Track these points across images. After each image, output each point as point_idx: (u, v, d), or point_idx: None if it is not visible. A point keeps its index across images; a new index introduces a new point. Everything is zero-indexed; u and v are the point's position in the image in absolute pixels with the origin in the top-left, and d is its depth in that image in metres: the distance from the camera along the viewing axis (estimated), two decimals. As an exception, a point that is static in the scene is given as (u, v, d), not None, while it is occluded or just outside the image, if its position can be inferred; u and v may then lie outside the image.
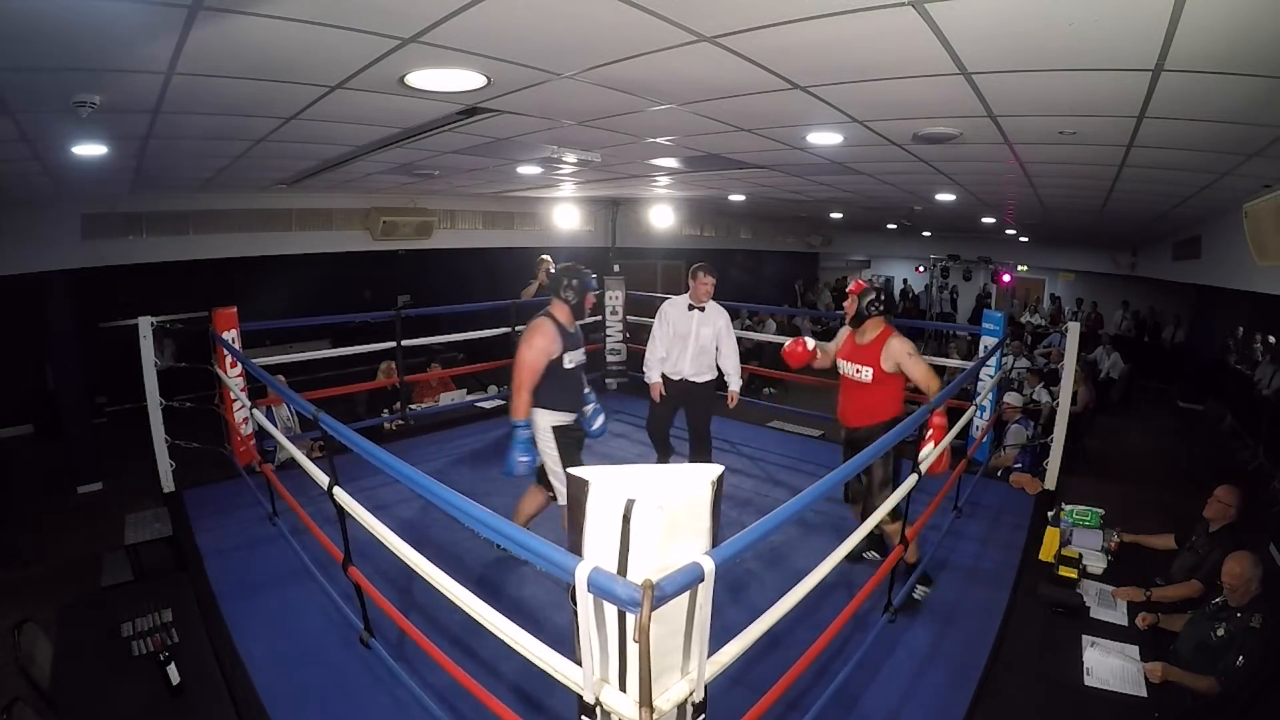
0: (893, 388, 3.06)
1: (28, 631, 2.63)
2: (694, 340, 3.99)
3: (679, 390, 4.08)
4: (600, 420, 3.31)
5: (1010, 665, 2.67)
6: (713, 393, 4.16)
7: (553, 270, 6.08)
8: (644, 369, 4.16)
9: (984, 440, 4.69)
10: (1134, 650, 2.74)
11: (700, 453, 4.27)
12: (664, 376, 4.09)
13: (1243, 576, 2.60)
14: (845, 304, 3.17)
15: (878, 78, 2.44)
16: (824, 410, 5.96)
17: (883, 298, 3.07)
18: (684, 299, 4.04)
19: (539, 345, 2.99)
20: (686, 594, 1.27)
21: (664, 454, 4.37)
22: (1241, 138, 2.90)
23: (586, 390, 3.29)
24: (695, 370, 4.04)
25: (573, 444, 3.16)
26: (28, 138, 3.16)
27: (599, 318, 6.56)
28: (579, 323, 3.23)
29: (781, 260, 14.78)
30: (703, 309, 4.00)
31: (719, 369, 4.17)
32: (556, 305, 3.11)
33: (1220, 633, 2.61)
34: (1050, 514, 3.65)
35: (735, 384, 4.19)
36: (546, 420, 3.10)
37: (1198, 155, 3.37)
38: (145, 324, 4.04)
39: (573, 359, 3.11)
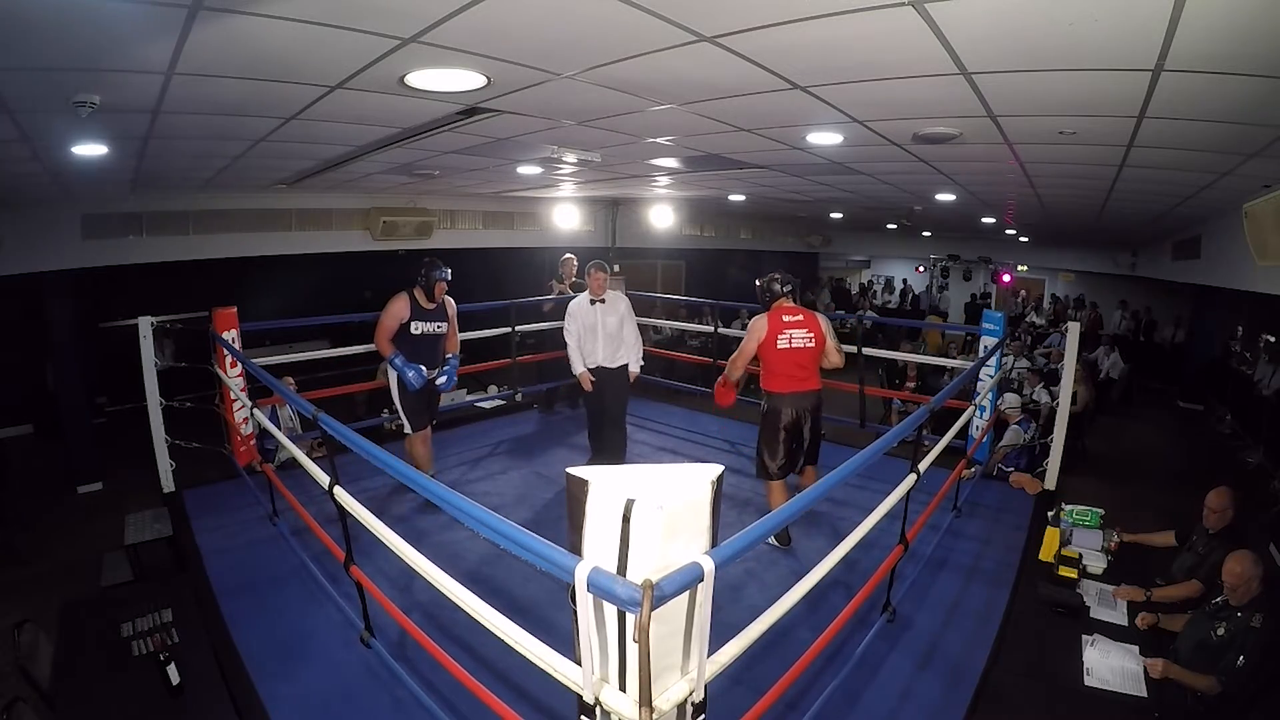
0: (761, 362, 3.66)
1: (28, 631, 2.63)
2: (601, 330, 4.49)
3: (598, 376, 4.54)
4: (444, 379, 4.12)
5: (1010, 665, 2.67)
6: (626, 376, 4.63)
7: (575, 267, 6.22)
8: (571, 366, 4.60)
9: (984, 440, 4.69)
10: (1134, 650, 2.74)
11: (615, 433, 4.64)
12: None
13: (1243, 576, 2.60)
14: None
15: (878, 78, 2.44)
16: (824, 410, 5.97)
17: (770, 286, 3.66)
18: (586, 296, 4.50)
19: (391, 310, 3.90)
20: (686, 594, 1.27)
21: (600, 446, 4.72)
22: (1241, 138, 2.89)
23: (450, 355, 4.17)
24: (607, 356, 4.53)
25: (412, 394, 3.95)
26: (28, 138, 3.16)
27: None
28: (434, 303, 4.01)
29: (781, 260, 14.75)
30: (603, 301, 4.49)
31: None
32: (416, 287, 3.97)
33: (1220, 632, 2.61)
34: (1050, 514, 3.64)
35: (634, 365, 4.64)
36: (393, 374, 3.95)
37: (1198, 155, 3.36)
38: (145, 324, 4.05)
39: (420, 328, 3.97)
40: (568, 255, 6.23)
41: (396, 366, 3.86)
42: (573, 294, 6.07)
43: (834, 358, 3.64)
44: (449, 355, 4.17)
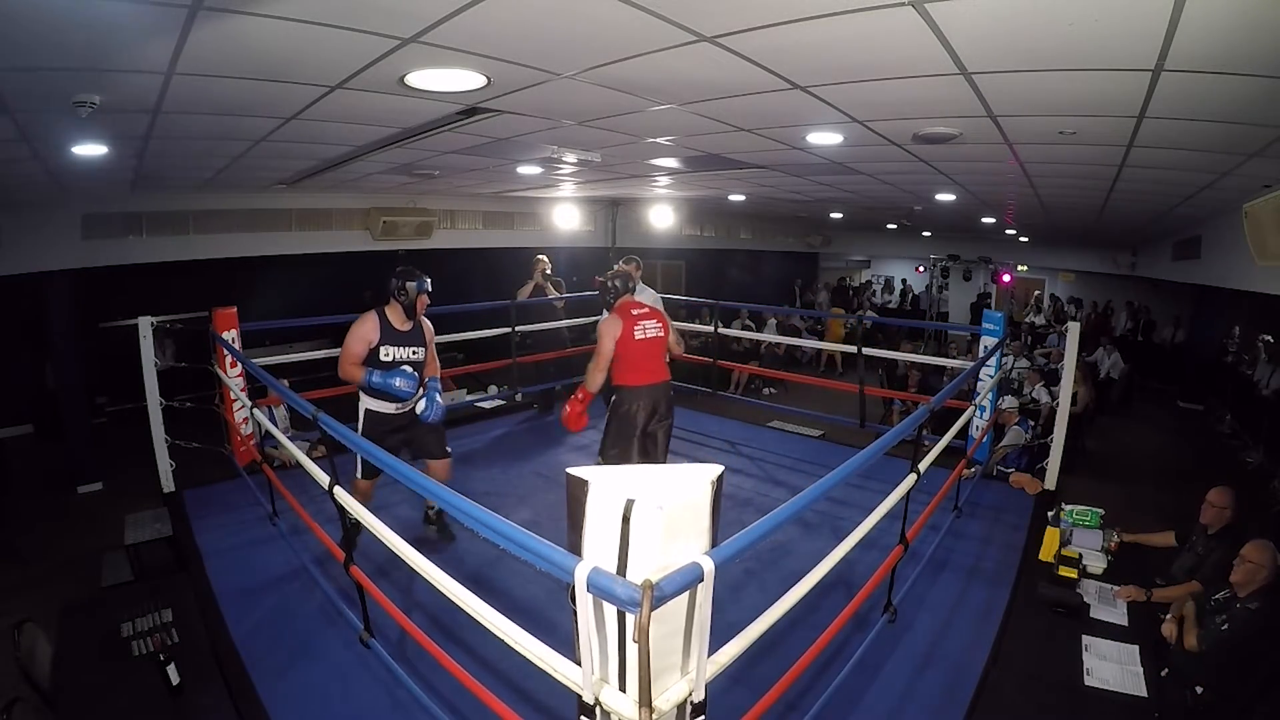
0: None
1: (28, 631, 2.63)
2: None
3: None
4: (424, 407, 3.37)
5: (1010, 665, 2.67)
6: None
7: (548, 271, 6.16)
8: None
9: (984, 440, 4.69)
10: (1134, 650, 2.74)
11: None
12: None
13: (1259, 560, 2.62)
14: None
15: (878, 78, 2.44)
16: (824, 410, 5.97)
17: (613, 283, 3.66)
18: None
19: (358, 333, 3.29)
20: (686, 594, 1.27)
21: None
22: (1241, 138, 2.90)
23: (430, 379, 3.45)
24: None
25: (382, 432, 3.30)
26: (28, 138, 3.16)
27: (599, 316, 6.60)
28: (411, 323, 3.40)
29: (781, 260, 14.78)
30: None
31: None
32: (391, 303, 3.35)
33: (1223, 625, 2.63)
34: (1050, 514, 3.64)
35: None
36: (362, 404, 3.39)
37: (1198, 155, 3.37)
38: (145, 324, 4.04)
39: (392, 354, 3.33)
40: (540, 256, 6.26)
41: (375, 383, 3.20)
42: (556, 294, 6.12)
43: (676, 349, 3.77)
44: (430, 379, 3.46)
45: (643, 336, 3.54)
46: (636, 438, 3.59)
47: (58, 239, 5.56)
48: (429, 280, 3.39)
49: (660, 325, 3.62)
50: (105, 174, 4.45)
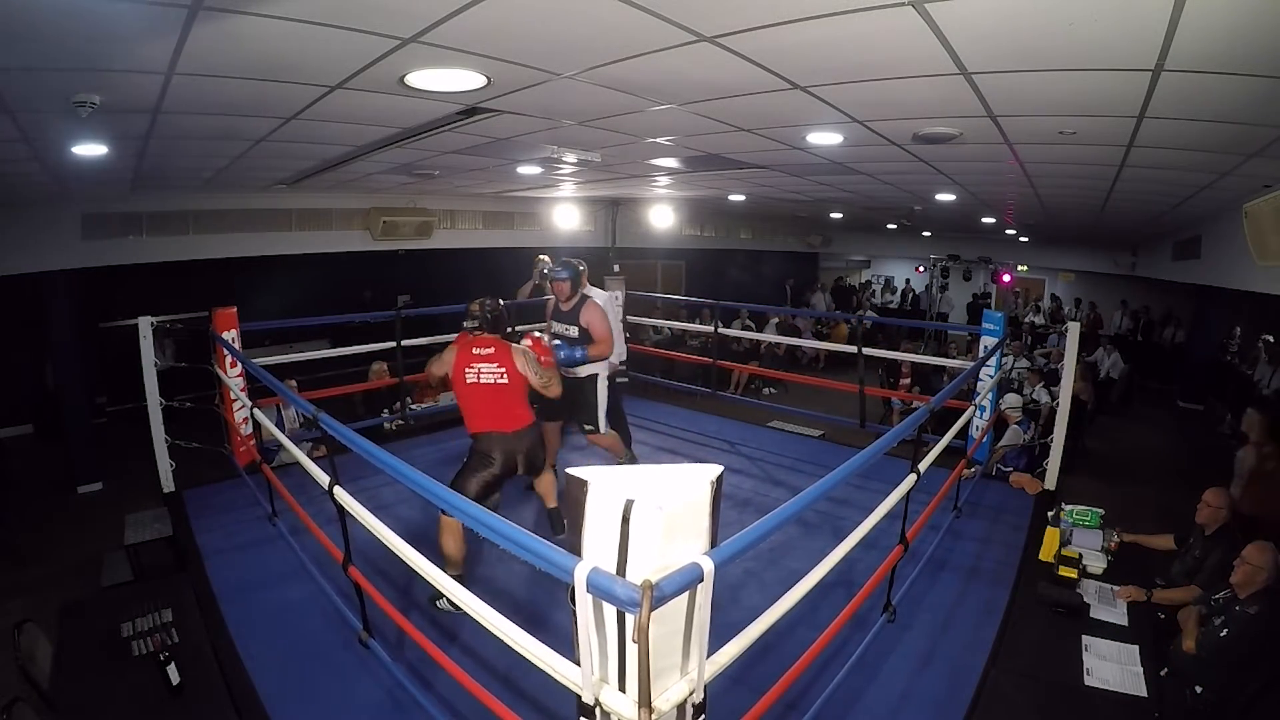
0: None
1: (28, 631, 2.63)
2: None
3: None
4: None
5: (1010, 665, 2.67)
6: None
7: (547, 271, 6.15)
8: None
9: (984, 440, 4.69)
10: (1134, 650, 2.74)
11: (617, 423, 4.71)
12: None
13: (1259, 562, 2.63)
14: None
15: (878, 78, 2.44)
16: (824, 410, 5.97)
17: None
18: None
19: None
20: (686, 594, 1.27)
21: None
22: (1241, 138, 2.90)
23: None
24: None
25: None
26: (28, 138, 3.16)
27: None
28: (567, 304, 4.03)
29: (781, 260, 14.76)
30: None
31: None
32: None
33: (1222, 631, 2.62)
34: (1050, 514, 3.64)
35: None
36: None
37: (1198, 155, 3.37)
38: (145, 324, 4.04)
39: (554, 328, 4.09)
40: (541, 256, 6.22)
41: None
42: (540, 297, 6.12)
43: (551, 389, 3.34)
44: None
45: (474, 381, 3.13)
46: (492, 484, 3.15)
47: (58, 239, 5.56)
48: (567, 270, 3.95)
49: (504, 371, 3.15)
50: (105, 174, 4.45)
